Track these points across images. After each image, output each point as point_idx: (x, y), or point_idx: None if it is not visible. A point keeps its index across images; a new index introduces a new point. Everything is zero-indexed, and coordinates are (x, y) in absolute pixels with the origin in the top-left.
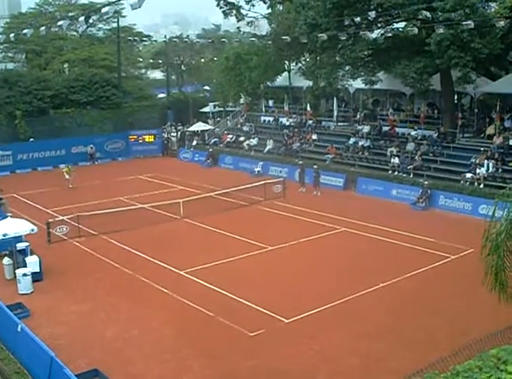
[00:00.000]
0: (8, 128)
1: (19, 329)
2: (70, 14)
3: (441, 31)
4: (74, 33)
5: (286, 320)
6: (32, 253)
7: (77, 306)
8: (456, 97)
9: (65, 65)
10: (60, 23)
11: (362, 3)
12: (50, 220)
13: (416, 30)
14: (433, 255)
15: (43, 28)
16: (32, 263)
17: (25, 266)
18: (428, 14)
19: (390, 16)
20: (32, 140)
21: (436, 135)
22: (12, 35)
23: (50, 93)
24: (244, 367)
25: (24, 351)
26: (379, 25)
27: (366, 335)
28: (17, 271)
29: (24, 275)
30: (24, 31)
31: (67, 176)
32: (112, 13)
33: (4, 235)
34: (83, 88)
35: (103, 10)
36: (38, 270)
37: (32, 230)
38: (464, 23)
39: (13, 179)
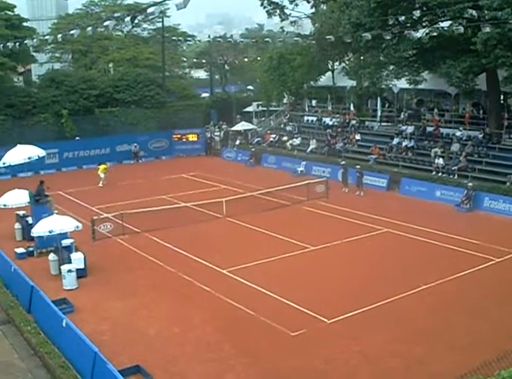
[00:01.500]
0: (54, 126)
1: (64, 324)
2: (116, 15)
3: (487, 30)
4: (119, 33)
5: (327, 321)
6: (76, 250)
7: (120, 303)
8: (502, 97)
9: (111, 65)
10: (106, 23)
11: (406, 2)
12: (95, 218)
13: (461, 29)
14: (476, 257)
15: (89, 28)
16: (77, 259)
17: (70, 262)
18: (474, 13)
19: (435, 15)
20: (77, 138)
21: (481, 136)
22: (59, 35)
23: (95, 92)
24: (286, 367)
25: (68, 346)
26: (424, 24)
27: (407, 336)
28: (62, 267)
29: (69, 271)
30: (71, 31)
31: (102, 175)
32: (158, 13)
33: (50, 232)
34: (127, 88)
35: (149, 10)
36: (82, 266)
37: (77, 227)
38: (511, 21)
39: (58, 177)
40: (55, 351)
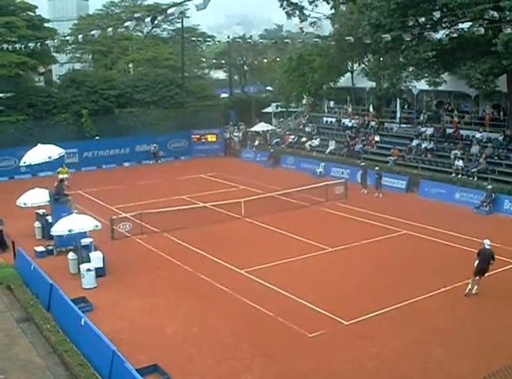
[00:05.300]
0: (74, 126)
1: (82, 323)
2: (136, 15)
3: (508, 31)
4: (139, 34)
5: (346, 322)
6: (95, 249)
7: (139, 302)
8: None
9: (130, 65)
10: (127, 24)
11: (426, 3)
12: (114, 217)
13: (482, 30)
14: (496, 260)
15: (109, 29)
16: (96, 258)
17: (89, 261)
18: (495, 14)
19: (456, 17)
20: (97, 138)
21: (502, 138)
22: (80, 36)
23: (115, 92)
24: (303, 368)
25: (86, 344)
26: (444, 25)
27: (426, 339)
28: (82, 266)
29: (88, 270)
30: (92, 32)
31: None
32: (178, 14)
33: (69, 231)
34: (147, 88)
35: (169, 11)
36: (101, 265)
37: (96, 226)
38: None
39: (78, 176)
40: (74, 349)
